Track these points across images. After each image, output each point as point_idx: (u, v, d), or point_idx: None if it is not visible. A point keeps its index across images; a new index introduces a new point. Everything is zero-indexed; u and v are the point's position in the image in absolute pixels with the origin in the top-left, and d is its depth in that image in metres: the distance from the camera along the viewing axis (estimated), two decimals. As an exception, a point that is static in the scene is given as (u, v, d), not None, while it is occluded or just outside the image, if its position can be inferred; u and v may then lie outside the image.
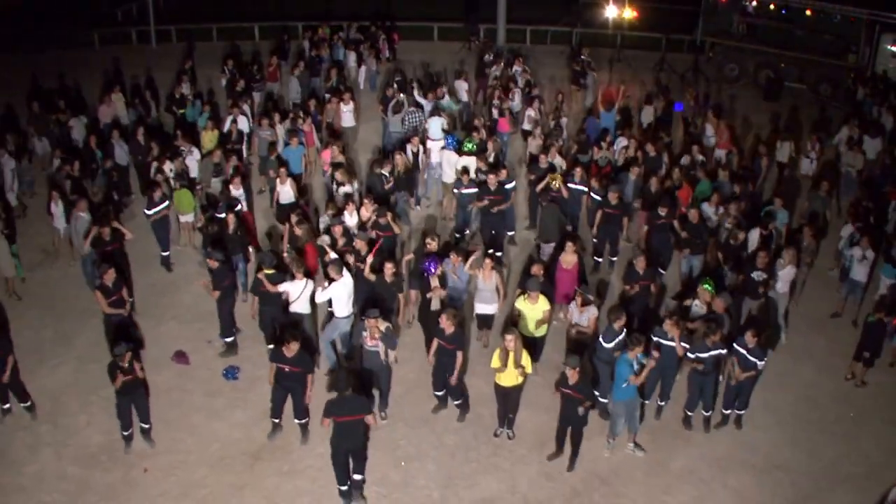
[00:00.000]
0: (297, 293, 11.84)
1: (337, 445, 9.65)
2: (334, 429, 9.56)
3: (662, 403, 11.47)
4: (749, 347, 10.70)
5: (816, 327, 13.61)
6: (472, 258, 12.23)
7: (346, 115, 18.37)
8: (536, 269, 11.97)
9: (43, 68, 22.88)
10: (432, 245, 12.49)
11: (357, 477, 10.06)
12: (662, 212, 13.99)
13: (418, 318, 12.71)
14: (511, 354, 10.27)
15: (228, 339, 12.57)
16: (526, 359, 10.41)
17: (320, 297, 11.80)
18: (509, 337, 10.22)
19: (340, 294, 11.67)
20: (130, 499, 10.10)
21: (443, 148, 16.28)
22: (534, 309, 11.49)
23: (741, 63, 24.84)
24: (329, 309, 12.05)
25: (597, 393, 11.34)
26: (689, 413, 11.31)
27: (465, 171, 14.99)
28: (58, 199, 14.19)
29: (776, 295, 12.85)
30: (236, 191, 14.69)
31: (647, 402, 11.34)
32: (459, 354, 10.81)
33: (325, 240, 12.91)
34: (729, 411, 11.33)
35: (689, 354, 10.84)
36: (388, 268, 11.85)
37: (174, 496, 10.14)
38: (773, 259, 12.92)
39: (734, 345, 10.90)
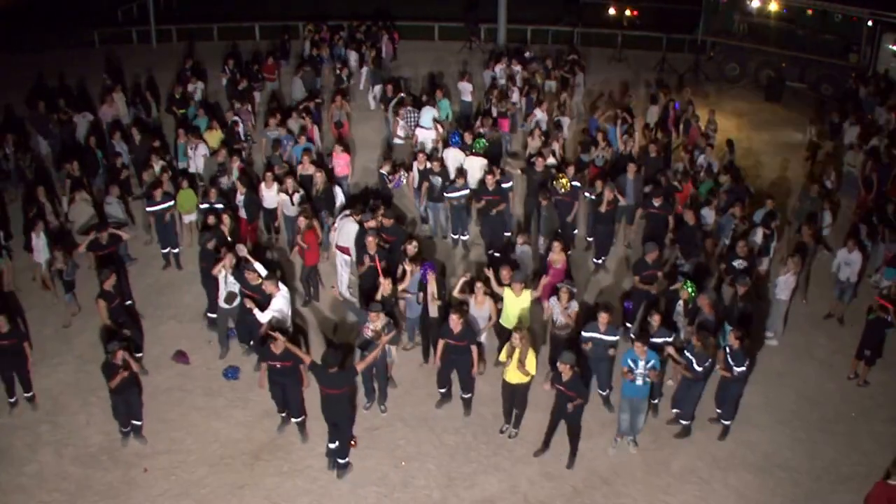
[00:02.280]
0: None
1: (326, 414, 10.25)
2: (322, 399, 10.16)
3: (656, 402, 11.46)
4: (732, 350, 10.63)
5: (817, 326, 13.59)
6: (461, 281, 11.75)
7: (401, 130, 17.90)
8: (506, 273, 11.82)
9: (44, 68, 22.90)
10: (410, 249, 12.33)
11: (340, 461, 10.40)
12: (657, 202, 13.99)
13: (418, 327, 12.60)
14: (517, 351, 10.34)
15: (212, 316, 12.81)
16: (531, 360, 10.44)
17: (264, 317, 11.40)
18: (517, 335, 10.33)
19: (282, 307, 11.50)
20: (130, 498, 10.10)
21: (449, 145, 16.23)
22: (517, 301, 11.51)
23: (742, 62, 24.81)
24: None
25: (602, 392, 11.42)
26: (675, 411, 11.31)
27: (461, 172, 14.94)
28: (40, 231, 13.39)
29: (775, 301, 12.80)
30: (239, 196, 14.56)
31: (655, 401, 11.38)
32: (474, 348, 10.91)
33: (241, 248, 12.24)
34: (721, 410, 11.32)
35: (687, 358, 10.79)
36: (386, 284, 11.61)
37: (174, 495, 10.13)
38: (758, 250, 13.14)
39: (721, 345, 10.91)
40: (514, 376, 10.58)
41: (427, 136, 17.01)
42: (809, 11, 23.26)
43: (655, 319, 10.91)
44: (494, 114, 18.37)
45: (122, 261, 13.64)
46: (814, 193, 15.09)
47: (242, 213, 14.45)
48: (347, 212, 13.73)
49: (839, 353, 12.80)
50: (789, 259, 12.69)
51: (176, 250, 14.62)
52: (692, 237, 13.60)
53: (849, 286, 13.32)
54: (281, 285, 11.64)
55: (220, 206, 14.01)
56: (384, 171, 15.51)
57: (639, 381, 10.32)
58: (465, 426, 11.29)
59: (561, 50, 24.66)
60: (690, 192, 15.07)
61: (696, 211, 13.90)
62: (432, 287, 11.82)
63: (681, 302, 11.79)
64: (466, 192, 14.77)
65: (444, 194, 14.85)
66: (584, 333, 10.99)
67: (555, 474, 10.54)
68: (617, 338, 11.01)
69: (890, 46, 22.10)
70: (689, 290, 11.67)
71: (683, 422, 11.18)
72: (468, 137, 16.21)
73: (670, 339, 10.91)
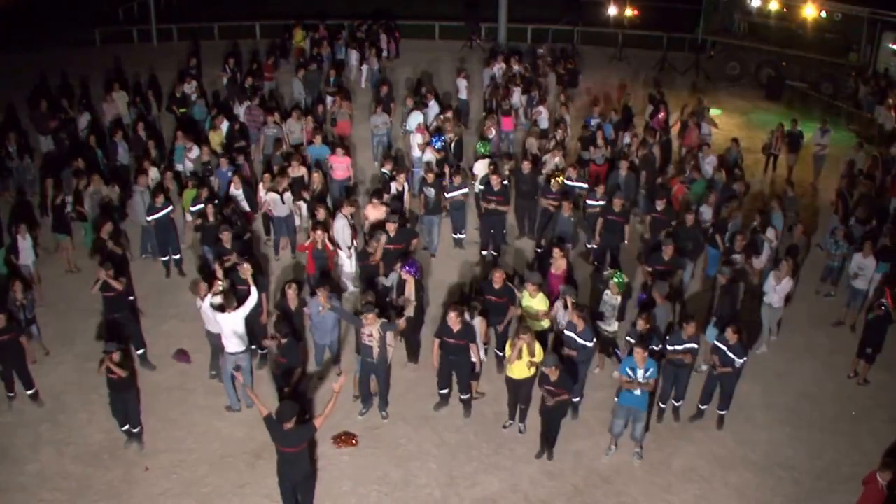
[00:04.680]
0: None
1: (282, 475, 9.30)
2: (278, 458, 9.25)
3: (663, 406, 11.45)
4: (730, 344, 10.69)
5: (818, 326, 13.60)
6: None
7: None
8: (498, 277, 11.80)
9: (45, 67, 22.92)
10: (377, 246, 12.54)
11: None
12: (659, 206, 13.96)
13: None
14: (525, 347, 10.38)
15: None
16: (539, 352, 10.50)
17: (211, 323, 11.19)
18: (524, 333, 10.37)
19: (226, 326, 10.93)
20: (131, 497, 10.10)
21: (428, 145, 16.25)
22: (531, 301, 11.57)
23: (742, 61, 24.83)
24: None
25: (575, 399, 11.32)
26: (662, 406, 11.36)
27: (458, 171, 14.91)
28: (25, 232, 13.34)
29: (771, 309, 12.60)
30: (236, 190, 14.67)
31: (663, 405, 11.37)
32: (473, 346, 10.89)
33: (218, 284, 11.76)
34: (705, 406, 11.31)
35: (667, 347, 10.85)
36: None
37: (175, 494, 10.13)
38: (753, 246, 13.20)
39: (715, 341, 10.89)
40: (519, 371, 10.61)
41: (412, 140, 17.02)
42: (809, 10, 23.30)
43: (641, 324, 10.87)
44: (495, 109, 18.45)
45: (125, 259, 13.61)
46: (791, 194, 15.14)
47: (245, 207, 14.62)
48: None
49: (839, 352, 12.81)
50: (782, 263, 12.52)
51: (177, 256, 14.55)
52: (695, 239, 13.49)
53: (860, 293, 13.20)
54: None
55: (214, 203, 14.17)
56: (386, 170, 15.51)
57: (637, 392, 10.26)
58: (466, 425, 11.31)
59: (563, 48, 24.67)
60: (683, 192, 15.13)
61: (693, 212, 13.83)
62: (410, 289, 11.81)
63: (608, 292, 11.84)
64: (465, 190, 14.75)
65: (445, 194, 14.85)
66: (565, 332, 11.08)
67: (556, 473, 10.55)
68: (590, 344, 10.91)
69: (890, 45, 22.11)
70: (617, 281, 11.73)
71: (676, 402, 11.38)
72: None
73: (657, 346, 10.91)
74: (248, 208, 14.75)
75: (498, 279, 11.74)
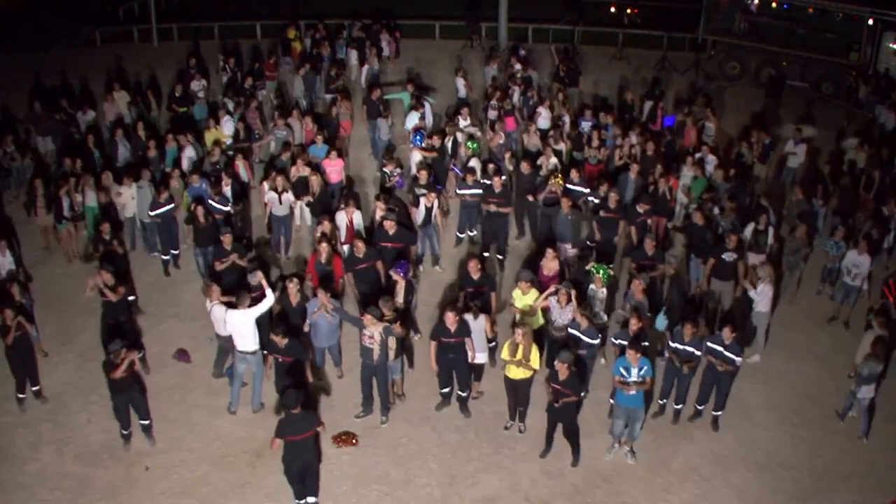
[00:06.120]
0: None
1: (289, 463, 9.49)
2: (285, 447, 9.41)
3: (663, 402, 11.47)
4: (726, 343, 10.67)
5: (818, 325, 13.59)
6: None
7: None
8: (473, 266, 11.89)
9: (45, 67, 22.91)
10: (360, 247, 12.50)
11: (311, 500, 9.81)
12: (641, 209, 13.88)
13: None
14: (520, 348, 10.35)
15: None
16: (534, 355, 10.50)
17: (222, 327, 11.19)
18: (520, 331, 10.35)
19: (237, 324, 11.01)
20: (132, 497, 10.11)
21: (412, 145, 16.22)
22: (523, 299, 11.58)
23: (743, 61, 24.79)
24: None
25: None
26: (661, 402, 11.37)
27: (471, 170, 14.90)
28: (5, 248, 13.10)
29: (756, 314, 12.48)
30: (225, 187, 14.61)
31: (662, 402, 11.38)
32: (469, 341, 10.88)
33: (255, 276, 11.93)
34: (703, 406, 11.30)
35: (669, 344, 10.86)
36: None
37: (175, 494, 10.14)
38: (748, 245, 13.17)
39: (708, 342, 10.84)
40: (516, 372, 10.61)
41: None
42: (810, 10, 23.27)
43: (633, 322, 10.84)
44: (492, 115, 18.37)
45: (125, 259, 13.64)
46: (800, 196, 15.03)
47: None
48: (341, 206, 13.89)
49: (840, 351, 12.80)
50: (760, 268, 12.38)
51: (176, 252, 14.61)
52: (704, 237, 13.43)
53: (853, 289, 13.16)
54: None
55: (221, 205, 14.20)
56: (387, 170, 15.48)
57: (632, 391, 10.25)
58: (466, 424, 11.31)
59: (565, 47, 24.60)
60: (678, 186, 15.16)
61: (701, 210, 13.77)
62: (399, 290, 11.81)
63: (593, 286, 11.87)
64: (479, 191, 14.57)
65: (457, 191, 14.84)
66: (569, 330, 11.09)
67: (556, 472, 10.55)
68: (594, 342, 10.96)
69: (890, 45, 22.07)
70: (602, 273, 11.74)
71: (676, 406, 11.38)
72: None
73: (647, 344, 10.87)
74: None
75: (474, 268, 11.78)
